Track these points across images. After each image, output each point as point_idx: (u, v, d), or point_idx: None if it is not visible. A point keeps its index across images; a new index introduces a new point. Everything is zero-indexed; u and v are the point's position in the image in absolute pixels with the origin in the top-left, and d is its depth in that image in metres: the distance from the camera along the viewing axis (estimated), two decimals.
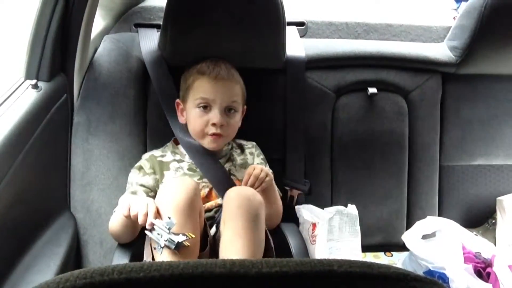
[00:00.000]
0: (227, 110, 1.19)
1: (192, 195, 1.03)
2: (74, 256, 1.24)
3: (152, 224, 0.98)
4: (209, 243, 1.08)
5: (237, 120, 1.22)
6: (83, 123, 1.29)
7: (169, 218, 0.98)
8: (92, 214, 1.28)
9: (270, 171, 1.19)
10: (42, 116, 1.13)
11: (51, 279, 0.35)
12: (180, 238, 0.96)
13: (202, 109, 1.18)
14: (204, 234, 1.09)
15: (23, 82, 1.17)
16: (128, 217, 1.02)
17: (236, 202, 1.03)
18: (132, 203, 1.03)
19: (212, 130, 1.18)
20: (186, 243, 0.96)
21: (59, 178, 1.26)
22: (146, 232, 1.00)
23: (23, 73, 1.19)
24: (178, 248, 0.96)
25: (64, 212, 1.26)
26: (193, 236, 0.98)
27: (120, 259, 1.09)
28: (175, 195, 1.02)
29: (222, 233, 1.04)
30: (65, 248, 1.15)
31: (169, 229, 0.96)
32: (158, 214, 1.01)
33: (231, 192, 1.07)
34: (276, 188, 1.24)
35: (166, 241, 0.96)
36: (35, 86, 1.15)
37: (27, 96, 1.13)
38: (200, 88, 1.19)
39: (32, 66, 1.18)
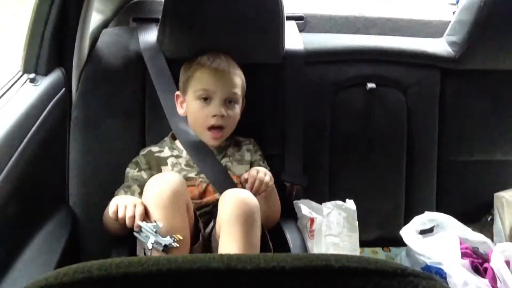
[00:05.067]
0: (228, 102, 1.19)
1: (177, 190, 1.03)
2: (73, 251, 1.24)
3: (139, 227, 0.99)
4: (201, 238, 1.08)
5: (237, 112, 1.22)
6: (81, 118, 1.28)
7: (155, 221, 0.99)
8: (90, 209, 1.28)
9: (269, 174, 1.18)
10: (40, 110, 1.13)
11: (50, 272, 0.35)
12: (167, 241, 0.96)
13: (202, 101, 1.19)
14: (195, 228, 1.09)
15: (21, 76, 1.17)
16: (115, 219, 1.03)
17: (231, 205, 1.03)
18: (120, 205, 1.04)
19: (212, 122, 1.18)
20: (175, 244, 0.97)
21: (57, 173, 1.26)
22: (135, 233, 1.01)
23: (21, 67, 1.19)
24: (166, 249, 0.97)
25: (63, 207, 1.26)
26: (181, 237, 0.98)
27: (119, 254, 1.09)
28: (160, 191, 1.03)
29: (218, 236, 1.04)
30: (63, 243, 1.15)
31: (155, 231, 0.97)
32: (146, 215, 1.02)
33: (227, 195, 1.07)
34: (275, 189, 1.23)
35: (153, 243, 0.96)
36: (33, 80, 1.15)
37: (25, 90, 1.12)
38: (201, 80, 1.19)
39: (30, 60, 1.18)
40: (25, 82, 1.14)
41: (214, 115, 1.17)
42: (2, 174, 0.95)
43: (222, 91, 1.18)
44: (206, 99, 1.18)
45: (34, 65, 1.18)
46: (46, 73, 1.19)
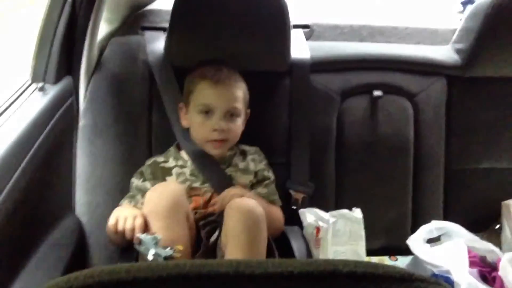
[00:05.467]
0: (229, 115, 1.20)
1: (175, 200, 1.03)
2: (79, 259, 1.25)
3: (139, 239, 0.99)
4: (202, 247, 1.08)
5: (239, 124, 1.22)
6: (89, 126, 1.29)
7: (155, 233, 0.99)
8: (97, 217, 1.28)
9: (253, 195, 1.17)
10: (48, 118, 1.14)
11: (60, 278, 0.36)
12: (167, 253, 0.97)
13: (204, 114, 1.19)
14: (196, 238, 1.09)
15: (29, 85, 1.18)
16: (116, 232, 1.03)
17: (238, 214, 1.03)
18: (119, 218, 1.05)
19: (213, 136, 1.18)
20: (176, 255, 0.97)
21: (64, 181, 1.27)
22: (135, 246, 1.01)
23: (30, 75, 1.20)
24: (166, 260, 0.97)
25: (69, 215, 1.26)
26: (181, 248, 0.98)
27: (125, 262, 1.09)
28: (158, 201, 1.03)
29: (224, 246, 1.04)
30: (70, 251, 1.15)
31: (155, 243, 0.97)
32: (146, 227, 1.02)
33: (233, 205, 1.06)
34: (265, 204, 1.20)
35: (153, 255, 0.97)
36: (41, 89, 1.16)
37: (34, 99, 1.14)
38: (202, 93, 1.19)
39: (38, 69, 1.19)
40: (33, 90, 1.16)
41: (215, 130, 1.18)
42: (11, 181, 0.95)
43: (223, 105, 1.18)
44: (207, 112, 1.19)
45: (42, 73, 1.19)
46: (55, 82, 1.20)
